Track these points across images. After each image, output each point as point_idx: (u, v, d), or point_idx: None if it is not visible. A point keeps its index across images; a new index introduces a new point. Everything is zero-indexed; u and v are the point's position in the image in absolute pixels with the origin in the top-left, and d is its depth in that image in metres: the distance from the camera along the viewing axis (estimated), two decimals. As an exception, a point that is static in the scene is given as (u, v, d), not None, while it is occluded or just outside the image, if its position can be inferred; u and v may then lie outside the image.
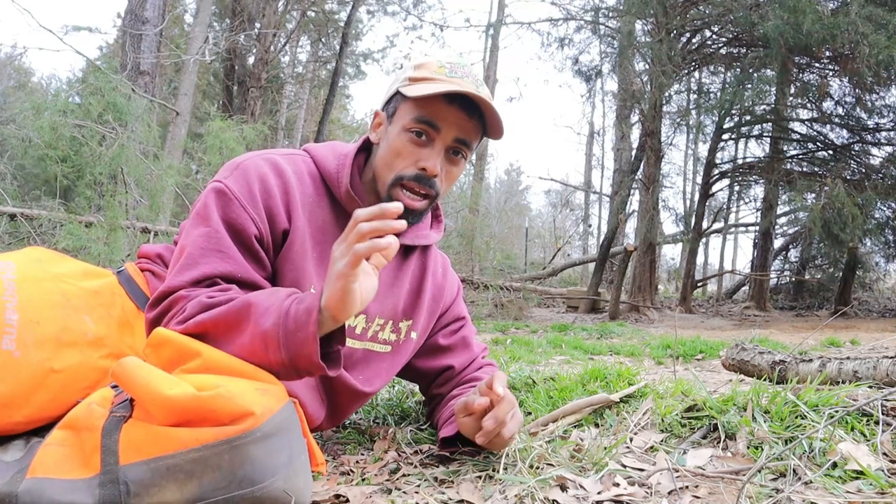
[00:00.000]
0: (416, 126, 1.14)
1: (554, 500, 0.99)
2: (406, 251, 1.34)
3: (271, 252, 1.13)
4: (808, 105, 10.70)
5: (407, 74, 1.17)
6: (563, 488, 1.03)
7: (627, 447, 1.25)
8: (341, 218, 1.21)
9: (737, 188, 13.15)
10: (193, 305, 0.98)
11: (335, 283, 0.90)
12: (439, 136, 1.15)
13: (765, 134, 11.46)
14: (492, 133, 1.20)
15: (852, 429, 1.16)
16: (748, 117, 10.82)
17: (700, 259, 17.48)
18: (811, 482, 0.99)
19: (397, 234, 1.27)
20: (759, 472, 1.03)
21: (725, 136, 11.21)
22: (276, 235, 1.12)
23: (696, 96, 11.56)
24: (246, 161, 1.14)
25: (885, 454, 1.07)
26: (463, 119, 1.14)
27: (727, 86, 10.98)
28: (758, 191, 12.67)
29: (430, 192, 1.17)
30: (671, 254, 20.45)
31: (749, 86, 9.47)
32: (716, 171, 11.34)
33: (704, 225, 12.52)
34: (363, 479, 1.15)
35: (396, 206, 0.90)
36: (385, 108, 1.22)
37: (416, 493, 1.07)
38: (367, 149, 1.26)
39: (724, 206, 14.72)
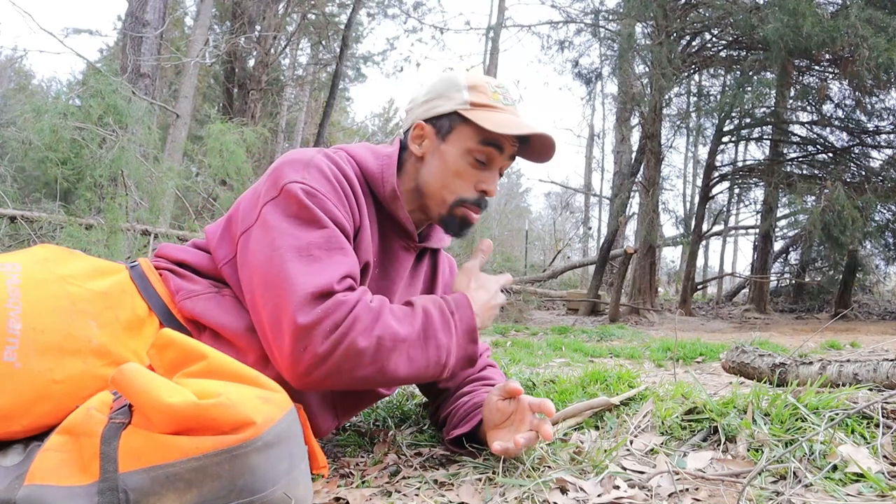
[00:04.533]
0: (482, 152, 1.21)
1: (554, 503, 0.99)
2: (421, 253, 1.38)
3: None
4: (808, 108, 10.70)
5: (465, 97, 1.21)
6: (564, 491, 1.03)
7: (628, 450, 1.25)
8: (381, 217, 1.25)
9: (737, 191, 13.13)
10: (364, 313, 1.05)
11: (492, 312, 1.23)
12: (498, 161, 1.23)
13: (765, 136, 11.46)
14: (544, 156, 1.30)
15: (852, 431, 1.16)
16: (748, 120, 10.82)
17: (700, 262, 17.47)
18: (811, 485, 0.99)
19: (420, 235, 1.36)
20: (760, 474, 1.03)
21: (725, 139, 11.21)
22: (355, 230, 1.17)
23: (696, 99, 11.55)
24: (314, 158, 1.15)
25: (885, 457, 1.07)
26: (516, 145, 1.24)
27: (727, 88, 10.99)
28: (758, 193, 12.67)
29: (484, 209, 1.27)
30: (671, 256, 20.45)
31: (749, 88, 9.47)
32: (716, 174, 11.34)
33: (704, 227, 12.52)
34: (363, 482, 1.15)
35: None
36: (434, 123, 1.24)
37: (416, 495, 1.07)
38: (400, 154, 1.30)
39: (724, 209, 14.71)
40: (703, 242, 16.70)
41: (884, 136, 10.22)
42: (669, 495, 1.01)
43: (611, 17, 11.48)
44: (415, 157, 1.25)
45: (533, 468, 1.14)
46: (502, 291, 1.30)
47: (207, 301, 1.14)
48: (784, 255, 13.83)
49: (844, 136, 10.63)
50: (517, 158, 1.29)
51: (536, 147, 1.25)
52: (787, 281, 13.47)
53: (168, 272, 1.19)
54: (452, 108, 1.21)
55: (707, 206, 12.10)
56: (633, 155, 11.14)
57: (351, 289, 1.07)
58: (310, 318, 1.01)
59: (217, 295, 1.15)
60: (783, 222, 12.84)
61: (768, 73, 9.64)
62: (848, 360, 1.70)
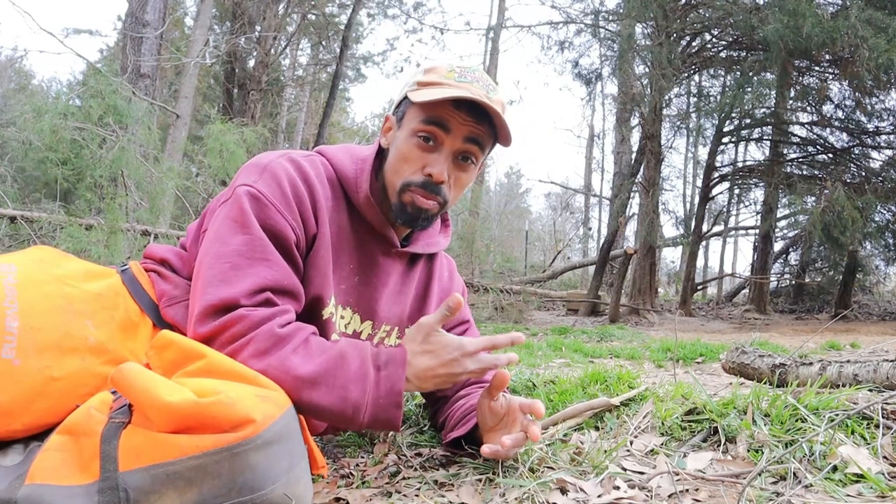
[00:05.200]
0: (423, 130, 1.13)
1: (554, 503, 0.99)
2: (413, 258, 1.32)
3: (303, 257, 1.12)
4: (808, 108, 10.70)
5: (416, 79, 1.17)
6: (564, 491, 1.03)
7: (628, 450, 1.25)
8: (356, 223, 1.20)
9: (737, 191, 13.14)
10: (263, 337, 0.98)
11: (447, 382, 1.06)
12: (447, 142, 1.13)
13: (765, 137, 11.47)
14: (500, 140, 1.19)
15: (852, 432, 1.16)
16: (748, 120, 10.83)
17: (700, 262, 17.47)
18: (811, 485, 0.99)
19: (407, 238, 1.30)
20: (760, 475, 1.03)
21: (725, 140, 11.21)
22: (308, 239, 1.12)
23: (696, 99, 11.57)
24: (272, 163, 1.12)
25: (885, 457, 1.07)
26: (471, 124, 1.13)
27: (727, 89, 10.99)
28: (758, 194, 12.68)
29: (438, 199, 1.16)
30: (671, 257, 20.45)
31: (749, 89, 9.47)
32: (716, 175, 11.34)
33: (704, 228, 12.53)
34: (363, 483, 1.15)
35: (517, 337, 1.09)
36: (395, 113, 1.21)
37: (416, 496, 1.07)
38: (380, 154, 1.24)
39: (724, 210, 14.73)
40: (703, 243, 16.71)
41: (884, 137, 10.23)
42: (669, 496, 1.01)
43: (611, 17, 11.49)
44: (386, 152, 1.21)
45: (533, 469, 1.14)
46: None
47: (187, 308, 1.13)
48: (784, 255, 13.84)
49: (844, 136, 10.64)
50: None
51: (499, 127, 1.16)
52: (787, 281, 13.48)
53: (155, 273, 1.19)
54: (405, 93, 1.17)
55: (707, 207, 12.11)
56: (633, 155, 11.15)
57: (267, 303, 1.02)
58: (206, 329, 0.99)
59: None
60: (783, 223, 12.86)
61: (768, 74, 9.64)
62: (848, 361, 1.70)
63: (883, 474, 1.00)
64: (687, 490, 1.03)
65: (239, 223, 1.05)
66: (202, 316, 1.00)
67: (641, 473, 1.11)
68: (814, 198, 10.03)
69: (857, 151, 10.51)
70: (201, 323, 1.00)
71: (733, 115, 10.38)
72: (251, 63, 15.38)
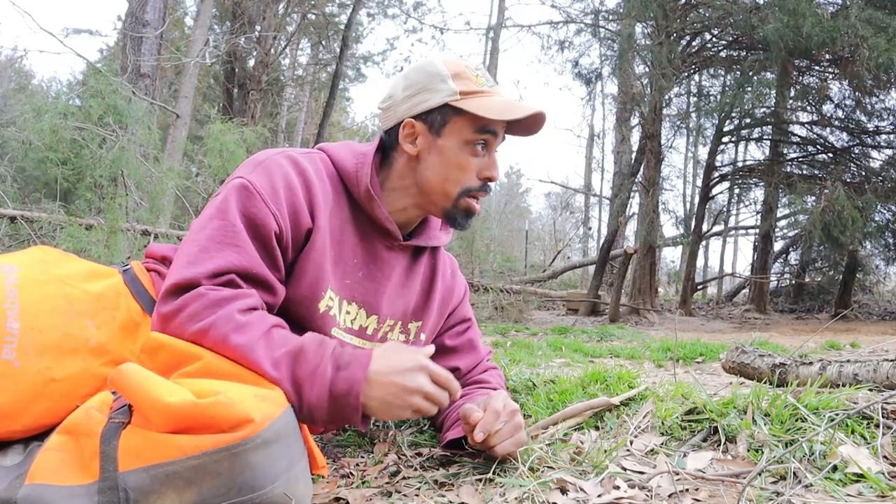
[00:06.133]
0: (479, 139, 1.19)
1: (554, 503, 0.99)
2: (416, 252, 1.33)
3: (290, 251, 1.11)
4: (808, 108, 10.71)
5: (453, 88, 1.17)
6: (564, 491, 1.03)
7: (628, 450, 1.25)
8: (358, 217, 1.22)
9: (737, 191, 13.15)
10: (223, 320, 0.95)
11: (397, 397, 0.98)
12: (494, 143, 1.22)
13: (765, 137, 11.47)
14: (533, 129, 1.26)
15: (852, 432, 1.15)
16: (748, 120, 10.83)
17: (700, 262, 17.47)
18: (811, 485, 0.99)
19: (410, 234, 1.32)
20: (760, 475, 1.03)
21: (725, 139, 11.22)
22: (300, 234, 1.11)
23: (696, 99, 11.57)
24: (268, 159, 1.13)
25: (885, 457, 1.07)
26: (506, 122, 1.21)
27: (727, 89, 11.00)
28: (758, 193, 12.69)
29: (485, 196, 1.24)
30: (671, 256, 20.45)
31: (749, 89, 9.48)
32: (716, 174, 11.34)
33: (704, 228, 12.54)
34: (363, 482, 1.15)
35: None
36: (424, 119, 1.19)
37: (416, 496, 1.07)
38: (382, 149, 1.26)
39: (724, 209, 14.73)
40: (703, 243, 16.72)
41: (884, 136, 10.24)
42: (669, 496, 1.01)
43: (611, 17, 11.49)
44: (407, 157, 1.21)
45: (533, 468, 1.14)
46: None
47: None
48: (784, 255, 13.84)
49: (844, 136, 10.65)
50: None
51: (526, 121, 1.23)
52: (787, 281, 13.48)
53: (156, 273, 1.20)
54: (443, 101, 1.17)
55: (707, 207, 12.11)
56: (633, 155, 11.15)
57: (230, 284, 1.01)
58: (167, 308, 0.98)
59: None
60: (783, 222, 12.86)
61: (768, 73, 9.65)
62: (848, 361, 1.70)
63: (883, 474, 1.00)
64: (687, 490, 1.03)
65: (220, 210, 1.06)
66: (165, 295, 0.99)
67: (641, 473, 1.11)
68: (814, 197, 10.03)
69: (857, 151, 10.52)
70: (163, 302, 0.99)
71: (733, 114, 10.38)
72: (251, 63, 15.38)
